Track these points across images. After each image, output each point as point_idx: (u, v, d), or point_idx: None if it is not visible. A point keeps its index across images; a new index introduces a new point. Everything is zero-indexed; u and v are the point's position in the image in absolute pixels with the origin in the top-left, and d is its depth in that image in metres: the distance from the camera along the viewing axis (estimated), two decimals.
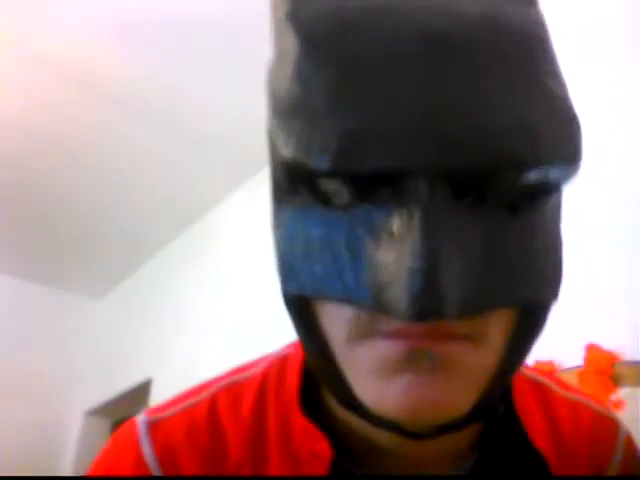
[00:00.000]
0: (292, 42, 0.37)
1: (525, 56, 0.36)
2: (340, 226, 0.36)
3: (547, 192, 0.37)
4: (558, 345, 1.41)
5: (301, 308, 0.40)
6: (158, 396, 3.11)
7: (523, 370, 0.54)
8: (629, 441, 0.55)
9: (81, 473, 3.72)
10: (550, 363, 1.38)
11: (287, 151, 0.36)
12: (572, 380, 1.32)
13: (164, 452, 0.47)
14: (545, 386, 0.54)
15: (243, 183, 2.96)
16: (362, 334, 0.37)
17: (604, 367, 1.28)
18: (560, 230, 0.40)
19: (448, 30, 0.34)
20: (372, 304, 0.34)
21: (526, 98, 0.35)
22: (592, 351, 1.31)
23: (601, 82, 1.57)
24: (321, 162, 0.34)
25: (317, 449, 0.44)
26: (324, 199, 0.36)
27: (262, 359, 0.53)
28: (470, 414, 0.38)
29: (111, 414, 3.86)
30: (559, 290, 0.40)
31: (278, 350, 0.53)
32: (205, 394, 0.50)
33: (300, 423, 0.46)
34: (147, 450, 0.47)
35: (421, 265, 0.31)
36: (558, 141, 0.36)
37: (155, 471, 0.46)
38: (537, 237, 0.37)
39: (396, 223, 0.33)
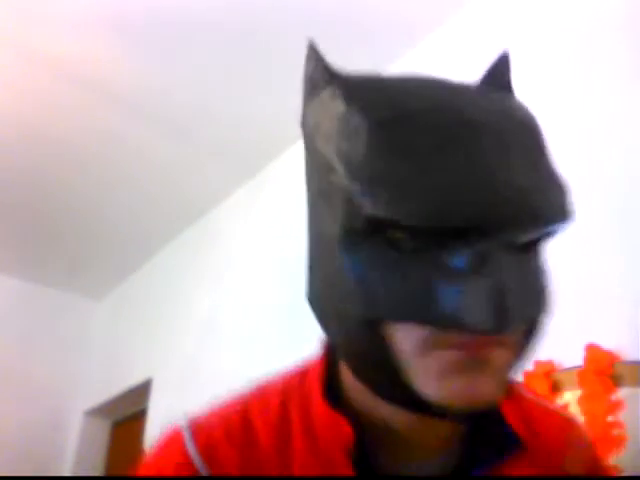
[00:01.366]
0: (359, 121, 0.50)
1: (536, 142, 0.52)
2: (412, 265, 0.48)
3: (549, 238, 0.53)
4: (558, 345, 1.41)
5: (376, 328, 0.50)
6: (158, 396, 3.11)
7: None
8: (582, 437, 0.66)
9: (81, 473, 3.73)
10: (550, 363, 1.38)
11: (376, 210, 0.47)
12: (572, 380, 1.32)
13: (206, 449, 0.57)
14: (514, 387, 0.66)
15: (243, 183, 2.96)
16: (433, 346, 0.49)
17: (604, 367, 1.28)
18: (547, 272, 0.56)
19: (489, 122, 0.49)
20: (456, 325, 0.47)
21: (545, 177, 0.50)
22: (592, 351, 1.31)
23: (598, 83, 1.57)
24: (412, 220, 0.46)
25: (339, 430, 0.56)
26: (394, 245, 0.49)
27: (284, 372, 0.64)
28: (494, 403, 0.51)
29: (111, 414, 3.86)
30: (546, 313, 0.54)
31: (299, 364, 0.64)
32: (238, 402, 0.61)
33: (322, 410, 0.57)
34: (192, 449, 0.57)
35: (497, 296, 0.46)
36: (566, 207, 0.51)
37: (200, 466, 0.56)
38: (541, 269, 0.53)
39: (470, 264, 0.47)
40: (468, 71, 2.06)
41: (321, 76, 0.56)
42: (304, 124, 0.59)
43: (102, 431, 3.91)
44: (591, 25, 1.63)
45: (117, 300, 4.00)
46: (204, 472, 0.56)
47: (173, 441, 0.59)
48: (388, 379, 0.51)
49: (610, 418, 1.21)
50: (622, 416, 1.23)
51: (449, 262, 0.47)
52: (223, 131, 2.62)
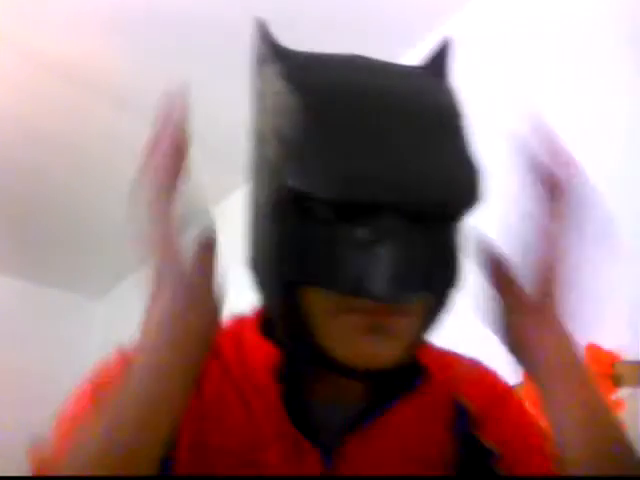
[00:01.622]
0: (294, 100, 0.54)
1: (450, 126, 0.55)
2: (327, 237, 0.53)
3: (446, 223, 0.56)
4: None
5: (291, 292, 0.55)
6: None
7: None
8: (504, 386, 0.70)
9: None
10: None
11: (295, 182, 0.52)
12: None
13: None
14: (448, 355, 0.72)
15: (242, 184, 2.95)
16: (340, 310, 0.53)
17: (604, 367, 1.28)
18: (460, 247, 0.58)
19: (406, 106, 0.54)
20: (355, 291, 0.51)
21: (455, 159, 0.54)
22: (592, 351, 1.31)
23: (598, 83, 1.57)
24: (324, 193, 0.51)
25: (266, 351, 0.62)
26: (313, 216, 0.53)
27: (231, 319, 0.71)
28: (395, 366, 0.56)
29: None
30: (454, 288, 0.57)
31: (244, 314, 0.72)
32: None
33: (253, 336, 0.65)
34: None
35: (395, 267, 0.50)
36: (470, 190, 0.54)
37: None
38: (451, 245, 0.56)
39: (373, 237, 0.51)
40: (468, 71, 2.07)
41: (268, 53, 0.61)
42: (251, 96, 0.66)
43: None
44: (591, 24, 1.63)
45: (117, 300, 4.00)
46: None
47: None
48: (302, 340, 0.56)
49: None
50: (622, 416, 1.23)
51: (356, 233, 0.52)
52: (223, 132, 2.62)
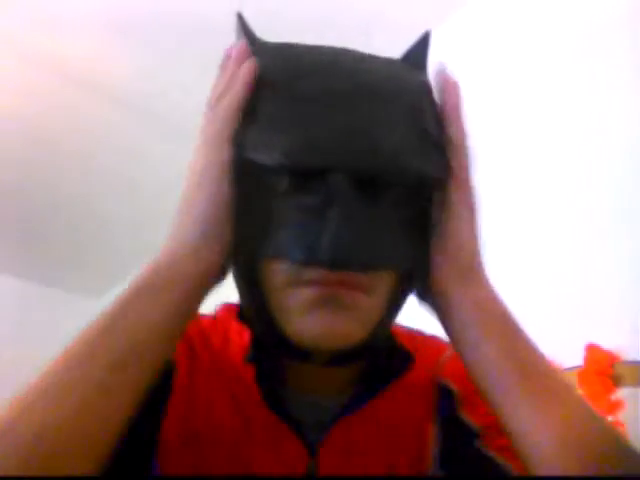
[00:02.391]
0: (258, 80, 0.55)
1: (409, 104, 0.55)
2: (281, 207, 0.52)
3: (417, 193, 0.54)
4: (558, 345, 1.41)
5: (248, 265, 0.54)
6: None
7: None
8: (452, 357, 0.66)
9: None
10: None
11: (250, 153, 0.52)
12: (572, 380, 1.32)
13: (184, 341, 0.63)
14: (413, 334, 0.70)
15: None
16: (293, 283, 0.52)
17: (604, 367, 1.28)
18: (426, 221, 0.55)
19: (367, 82, 0.54)
20: (304, 260, 0.50)
21: (405, 134, 0.53)
22: (592, 351, 1.31)
23: (598, 83, 1.57)
24: (276, 161, 0.51)
25: (242, 336, 0.61)
26: (270, 187, 0.52)
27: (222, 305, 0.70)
28: (361, 348, 0.53)
29: None
30: (419, 263, 0.54)
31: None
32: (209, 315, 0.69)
33: (235, 323, 0.64)
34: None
35: (341, 231, 0.48)
36: (421, 163, 0.53)
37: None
38: (410, 224, 0.54)
39: (322, 205, 0.50)
40: (468, 70, 2.07)
41: (246, 42, 0.62)
42: None
43: None
44: (591, 24, 1.63)
45: None
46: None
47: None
48: (259, 316, 0.56)
49: (610, 418, 1.21)
50: (622, 416, 1.23)
51: (306, 201, 0.51)
52: None
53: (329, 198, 0.50)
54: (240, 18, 0.66)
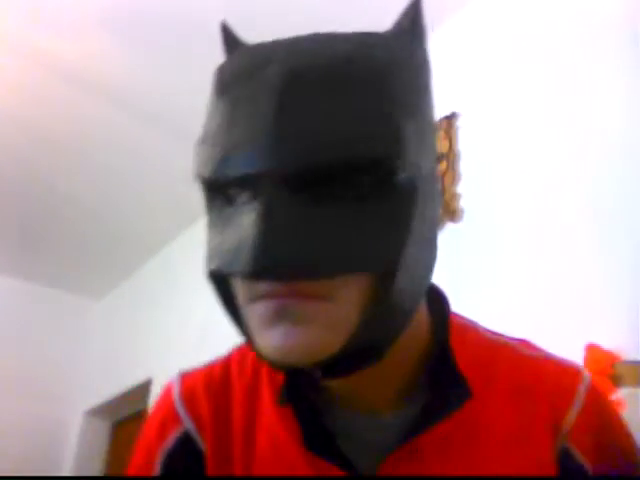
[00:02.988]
0: (212, 89, 0.54)
1: (359, 86, 0.49)
2: (224, 219, 0.50)
3: (379, 188, 0.49)
4: (558, 345, 1.41)
5: (219, 283, 0.52)
6: (158, 396, 3.11)
7: (489, 334, 0.64)
8: (592, 389, 0.60)
9: (81, 473, 3.72)
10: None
11: (195, 168, 0.52)
12: None
13: (187, 392, 0.63)
14: (508, 346, 0.63)
15: None
16: (251, 298, 0.49)
17: (604, 367, 1.28)
18: (409, 215, 0.50)
19: (302, 72, 0.48)
20: (229, 272, 0.48)
21: (343, 121, 0.47)
22: (592, 351, 1.31)
23: (598, 83, 1.57)
24: (207, 174, 0.50)
25: (277, 378, 0.60)
26: (230, 201, 0.50)
27: None
28: (344, 360, 0.50)
29: (111, 414, 3.86)
30: (397, 263, 0.49)
31: None
32: (223, 357, 0.67)
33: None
34: (176, 392, 0.64)
35: (253, 243, 0.44)
36: (366, 152, 0.47)
37: (179, 408, 0.63)
38: (374, 219, 0.48)
39: (249, 213, 0.47)
40: (467, 70, 2.07)
41: (227, 51, 0.60)
42: None
43: (102, 431, 3.91)
44: (591, 24, 1.63)
45: (117, 300, 4.00)
46: (183, 414, 0.62)
47: (166, 390, 0.67)
48: (241, 333, 0.53)
49: None
50: (622, 416, 1.23)
51: (240, 212, 0.49)
52: None
53: (258, 205, 0.46)
54: (225, 30, 0.62)
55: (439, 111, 2.22)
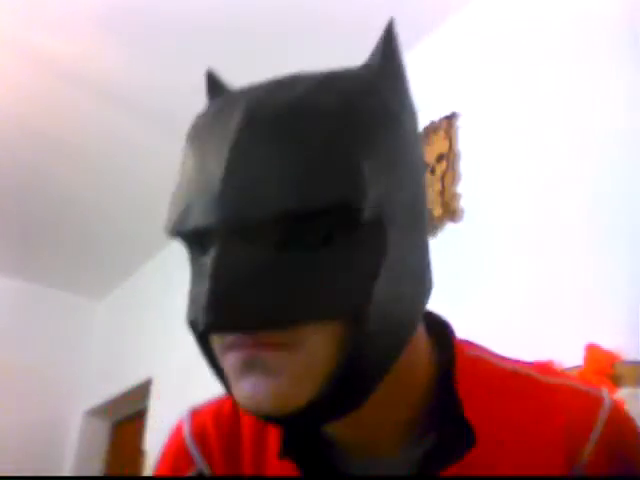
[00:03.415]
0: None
1: (304, 134, 0.47)
2: (200, 269, 0.49)
3: (343, 231, 0.47)
4: (558, 345, 1.41)
5: (199, 335, 0.51)
6: (158, 396, 3.11)
7: (503, 364, 0.60)
8: (613, 417, 0.57)
9: (81, 473, 3.73)
10: (550, 363, 1.38)
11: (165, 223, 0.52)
12: None
13: (198, 431, 0.63)
14: (523, 375, 0.60)
15: None
16: (224, 348, 0.48)
17: (604, 367, 1.28)
18: (378, 256, 0.49)
19: (255, 121, 0.48)
20: (192, 325, 0.48)
21: (294, 169, 0.46)
22: (592, 351, 1.31)
23: (598, 83, 1.57)
24: (166, 229, 0.51)
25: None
26: (194, 250, 0.51)
27: None
28: (321, 407, 0.48)
29: (111, 414, 3.86)
30: (366, 305, 0.47)
31: None
32: None
33: None
34: (187, 431, 0.64)
35: (208, 297, 0.44)
36: (316, 200, 0.45)
37: (190, 446, 0.63)
38: (341, 263, 0.47)
39: (205, 265, 0.47)
40: (467, 71, 2.07)
41: (211, 96, 0.60)
42: None
43: (102, 431, 3.92)
44: (591, 24, 1.63)
45: (117, 300, 4.00)
46: (195, 453, 0.63)
47: (177, 428, 0.66)
48: (221, 382, 0.53)
49: None
50: None
51: (200, 265, 0.50)
52: None
53: (210, 259, 0.46)
54: (209, 76, 0.61)
55: (439, 111, 2.23)
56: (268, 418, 0.49)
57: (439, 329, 0.61)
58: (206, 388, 0.71)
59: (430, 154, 1.93)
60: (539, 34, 1.76)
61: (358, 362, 0.48)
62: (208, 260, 0.47)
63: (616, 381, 1.27)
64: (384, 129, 0.50)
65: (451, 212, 1.81)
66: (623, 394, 1.25)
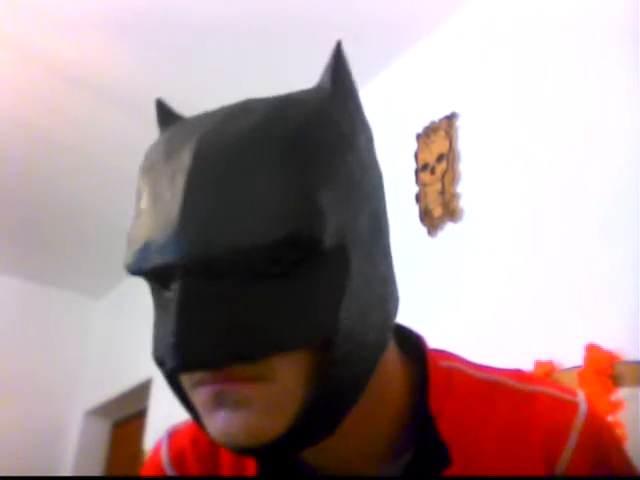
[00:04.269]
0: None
1: (256, 167, 0.47)
2: (164, 305, 0.49)
3: (304, 262, 0.47)
4: (558, 345, 1.41)
5: (165, 373, 0.50)
6: (158, 396, 3.11)
7: (478, 373, 0.60)
8: (589, 423, 0.57)
9: (81, 473, 3.73)
10: (550, 363, 1.38)
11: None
12: (572, 380, 1.32)
13: (175, 455, 0.63)
14: (499, 384, 0.59)
15: None
16: (193, 384, 0.48)
17: (604, 367, 1.28)
18: (341, 283, 0.49)
19: (207, 156, 0.47)
20: (159, 364, 0.48)
21: (247, 204, 0.45)
22: (592, 351, 1.31)
23: (597, 83, 1.57)
24: (129, 268, 0.49)
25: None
26: (155, 287, 0.50)
27: None
28: (295, 437, 0.48)
29: (111, 414, 3.86)
30: (333, 334, 0.47)
31: None
32: None
33: None
34: (164, 454, 0.64)
35: (173, 337, 0.43)
36: (272, 235, 0.45)
37: (169, 470, 0.63)
38: (305, 294, 0.47)
39: (169, 303, 0.46)
40: (467, 71, 2.06)
41: (162, 126, 0.58)
42: None
43: (102, 431, 3.91)
44: (592, 24, 1.63)
45: (117, 299, 4.00)
46: (170, 471, 0.63)
47: (155, 449, 0.66)
48: (192, 416, 0.52)
49: (610, 418, 1.21)
50: (622, 416, 1.23)
51: (162, 302, 0.49)
52: None
53: (172, 296, 0.45)
54: (159, 105, 0.59)
55: (439, 111, 2.23)
56: (242, 450, 0.48)
57: (411, 343, 0.60)
58: None
59: (430, 154, 1.93)
60: (539, 34, 1.76)
61: (329, 389, 0.48)
62: (170, 295, 0.47)
63: (616, 381, 1.27)
64: (339, 156, 0.49)
65: (451, 212, 1.81)
66: (623, 394, 1.25)
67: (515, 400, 0.58)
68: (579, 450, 0.55)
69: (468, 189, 1.79)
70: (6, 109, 2.58)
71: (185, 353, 0.43)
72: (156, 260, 0.46)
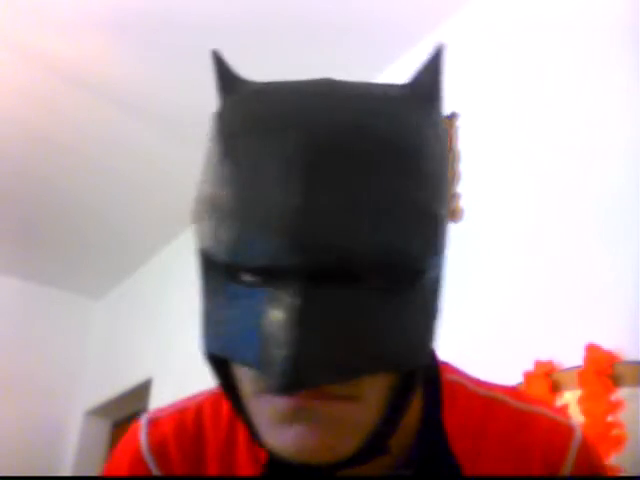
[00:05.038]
0: (211, 150, 0.49)
1: (386, 164, 0.44)
2: (234, 297, 0.45)
3: (414, 278, 0.45)
4: (558, 345, 1.41)
5: (219, 365, 0.48)
6: (158, 396, 3.11)
7: (479, 389, 0.60)
8: (583, 448, 0.58)
9: (81, 473, 3.72)
10: (550, 363, 1.38)
11: (203, 245, 0.47)
12: (572, 380, 1.32)
13: (156, 444, 0.59)
14: (498, 401, 0.59)
15: None
16: (260, 389, 0.45)
17: (604, 367, 1.28)
18: (436, 304, 0.49)
19: (326, 148, 0.43)
20: (261, 372, 0.42)
21: (375, 208, 0.43)
22: (592, 351, 1.31)
23: (597, 84, 1.57)
24: (225, 257, 0.44)
25: (259, 455, 0.55)
26: (233, 277, 0.45)
27: None
28: (357, 457, 0.46)
29: (111, 414, 3.85)
30: (428, 356, 0.47)
31: None
32: (196, 400, 0.62)
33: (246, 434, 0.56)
34: (144, 442, 0.60)
35: (287, 351, 0.39)
36: (407, 245, 0.43)
37: (149, 459, 0.59)
38: (410, 312, 0.45)
39: (270, 303, 0.42)
40: (467, 71, 2.06)
41: (222, 86, 0.54)
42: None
43: (102, 431, 3.91)
44: (593, 24, 1.63)
45: (117, 300, 4.00)
46: (153, 467, 0.59)
47: (132, 434, 0.62)
48: (244, 422, 0.49)
49: (610, 418, 1.21)
50: (622, 416, 1.23)
51: (267, 302, 0.43)
52: None
53: (278, 297, 0.42)
54: (217, 59, 0.56)
55: None
56: (311, 467, 0.45)
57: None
58: (205, 388, 0.71)
59: None
60: (540, 34, 1.76)
61: (400, 411, 0.47)
62: (256, 292, 0.43)
63: (616, 381, 1.26)
64: (444, 171, 0.49)
65: (451, 212, 1.81)
66: (623, 394, 1.25)
67: (515, 418, 0.58)
68: (576, 469, 0.56)
69: (468, 189, 1.79)
70: (6, 109, 2.58)
71: (300, 370, 0.39)
72: (271, 260, 0.42)
